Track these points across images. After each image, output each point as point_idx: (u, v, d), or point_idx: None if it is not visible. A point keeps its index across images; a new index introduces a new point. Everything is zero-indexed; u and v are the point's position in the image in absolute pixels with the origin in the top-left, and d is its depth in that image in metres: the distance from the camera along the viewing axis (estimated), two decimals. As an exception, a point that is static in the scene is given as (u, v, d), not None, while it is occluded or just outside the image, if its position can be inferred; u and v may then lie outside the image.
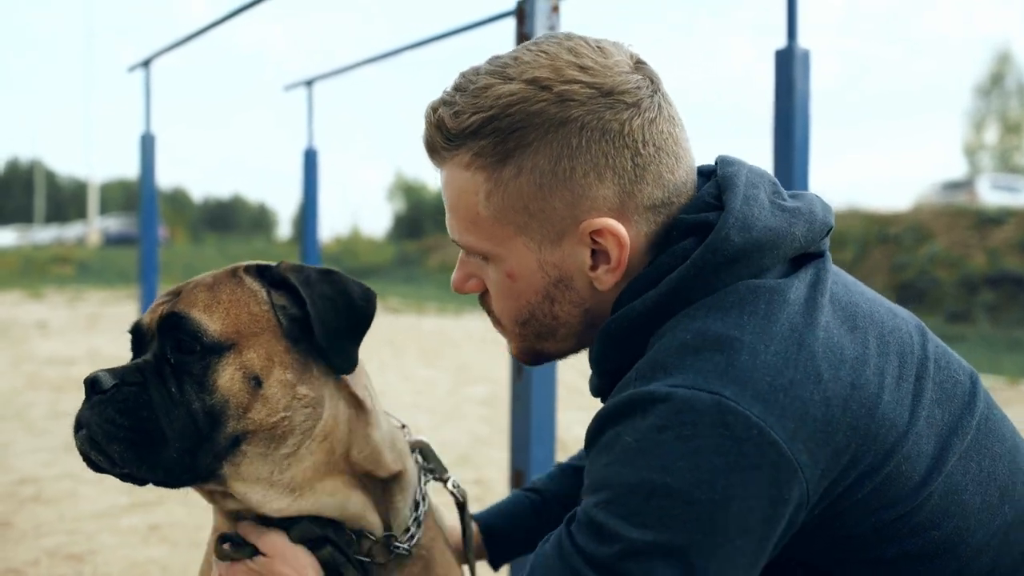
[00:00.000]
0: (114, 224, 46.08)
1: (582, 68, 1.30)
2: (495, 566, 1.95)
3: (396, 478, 1.66)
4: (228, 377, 1.49)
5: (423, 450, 1.80)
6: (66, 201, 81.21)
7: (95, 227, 46.56)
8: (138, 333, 1.59)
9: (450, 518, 1.88)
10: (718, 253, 1.27)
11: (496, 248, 1.38)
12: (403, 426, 1.79)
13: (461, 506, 1.83)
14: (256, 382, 1.50)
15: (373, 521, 1.61)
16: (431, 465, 1.80)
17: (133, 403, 1.47)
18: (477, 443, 6.75)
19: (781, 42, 3.12)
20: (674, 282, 1.28)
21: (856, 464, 1.20)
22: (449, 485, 1.80)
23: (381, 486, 1.64)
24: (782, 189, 1.41)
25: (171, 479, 1.49)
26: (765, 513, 1.14)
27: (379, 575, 1.63)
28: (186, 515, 4.76)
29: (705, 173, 1.44)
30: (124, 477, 1.49)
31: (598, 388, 1.46)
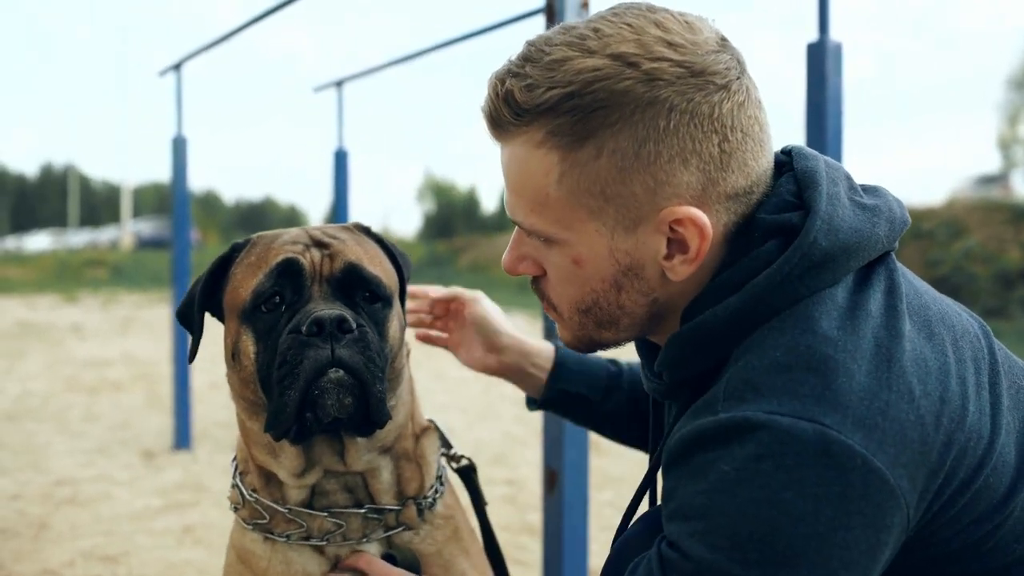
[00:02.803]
0: (147, 227, 46.46)
1: (671, 45, 1.20)
2: (543, 405, 1.94)
3: (426, 432, 1.75)
4: (395, 327, 1.61)
5: (432, 427, 1.85)
6: (99, 205, 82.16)
7: (128, 230, 46.95)
8: (298, 271, 1.55)
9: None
10: (805, 258, 1.20)
11: (564, 232, 1.29)
12: None
13: (472, 471, 1.87)
14: (403, 331, 1.66)
15: (388, 499, 1.66)
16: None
17: (375, 345, 1.51)
18: (511, 442, 6.72)
19: (811, 36, 3.09)
20: (759, 288, 1.21)
21: (950, 482, 1.16)
22: (456, 453, 1.85)
23: (414, 443, 1.71)
24: (855, 183, 1.34)
25: (381, 422, 1.52)
26: (869, 543, 1.09)
27: (416, 541, 1.68)
28: (220, 516, 4.78)
29: (775, 164, 1.35)
30: (351, 425, 1.52)
31: (660, 389, 1.40)
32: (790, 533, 1.07)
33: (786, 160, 1.35)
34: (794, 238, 1.23)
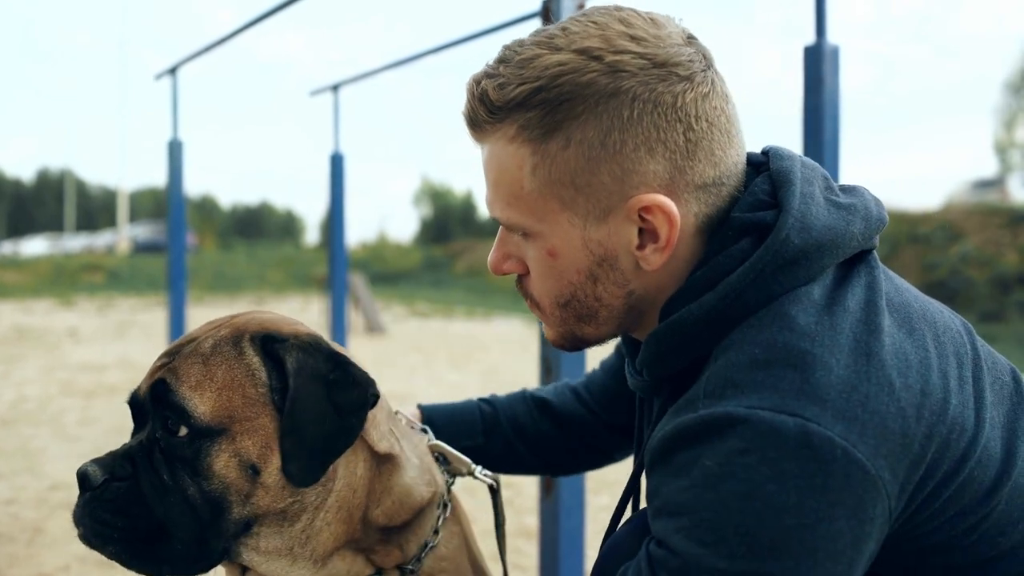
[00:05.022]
0: (143, 232, 46.42)
1: (634, 38, 1.25)
2: None
3: (429, 501, 1.58)
4: (223, 464, 1.37)
5: (443, 453, 1.74)
6: (96, 209, 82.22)
7: (125, 235, 46.94)
8: (135, 403, 1.47)
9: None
10: (778, 255, 1.22)
11: (538, 224, 1.32)
12: (424, 430, 1.77)
13: (494, 492, 1.78)
14: (254, 471, 1.38)
15: (362, 571, 1.53)
16: (451, 466, 1.73)
17: (124, 500, 1.36)
18: (506, 447, 6.71)
19: (809, 42, 3.09)
20: (732, 285, 1.23)
21: (933, 474, 1.17)
22: (478, 474, 1.74)
23: (415, 518, 1.55)
24: (833, 183, 1.36)
25: (183, 570, 1.39)
26: (853, 534, 1.10)
27: None
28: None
29: (753, 164, 1.37)
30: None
31: (642, 386, 1.41)
32: (775, 525, 1.07)
33: (765, 160, 1.37)
34: (767, 236, 1.24)
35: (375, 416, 1.50)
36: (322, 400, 1.39)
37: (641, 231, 1.28)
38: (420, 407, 1.90)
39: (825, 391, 1.11)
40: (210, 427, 1.37)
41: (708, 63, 1.29)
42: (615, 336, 1.44)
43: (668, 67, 1.24)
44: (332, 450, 1.40)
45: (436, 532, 1.60)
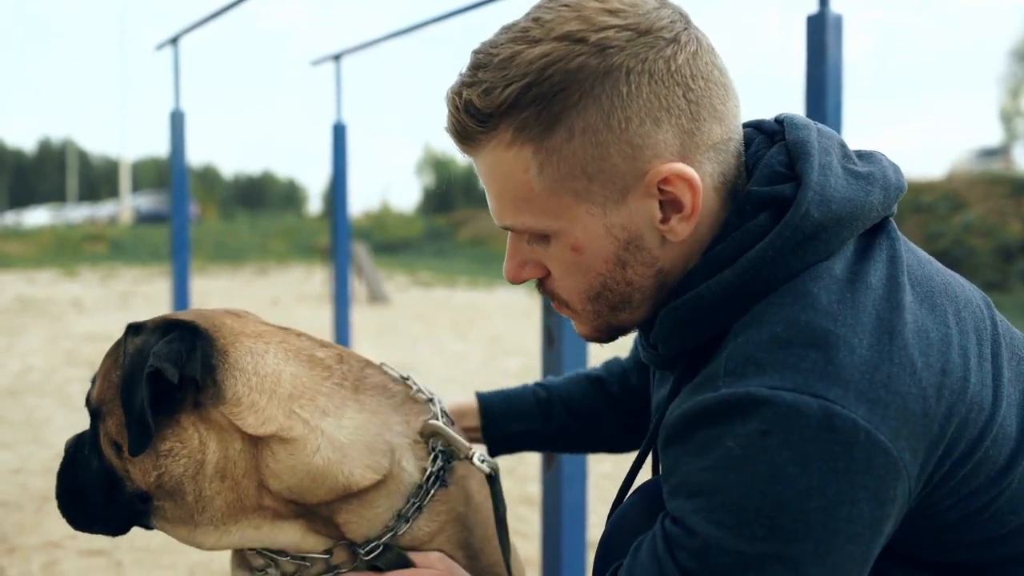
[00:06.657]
0: (146, 202, 46.18)
1: (611, 12, 1.20)
2: (491, 453, 1.89)
3: (377, 486, 1.52)
4: (102, 442, 1.53)
5: (439, 432, 1.59)
6: (98, 180, 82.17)
7: (127, 205, 46.81)
8: None
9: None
10: (797, 231, 1.19)
11: (556, 222, 1.27)
12: (430, 400, 1.65)
13: (491, 479, 1.66)
14: (117, 448, 1.49)
15: (311, 546, 1.54)
16: (450, 448, 1.59)
17: (64, 467, 1.60)
18: (509, 416, 6.71)
19: (811, 8, 3.07)
20: (752, 261, 1.20)
21: (950, 453, 1.15)
22: (475, 460, 1.61)
23: (353, 498, 1.51)
24: (850, 150, 1.32)
25: (99, 530, 1.59)
26: (874, 516, 1.09)
27: None
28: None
29: (767, 132, 1.34)
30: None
31: (655, 360, 1.39)
32: (796, 508, 1.06)
33: (778, 129, 1.34)
34: (786, 210, 1.22)
35: (255, 402, 1.46)
36: (134, 376, 1.46)
37: (662, 204, 1.24)
38: (477, 394, 1.91)
39: (848, 372, 1.09)
40: (95, 409, 1.54)
41: (687, 21, 1.25)
42: (649, 316, 1.38)
43: (653, 33, 1.20)
44: (143, 423, 1.42)
45: (407, 520, 1.54)
